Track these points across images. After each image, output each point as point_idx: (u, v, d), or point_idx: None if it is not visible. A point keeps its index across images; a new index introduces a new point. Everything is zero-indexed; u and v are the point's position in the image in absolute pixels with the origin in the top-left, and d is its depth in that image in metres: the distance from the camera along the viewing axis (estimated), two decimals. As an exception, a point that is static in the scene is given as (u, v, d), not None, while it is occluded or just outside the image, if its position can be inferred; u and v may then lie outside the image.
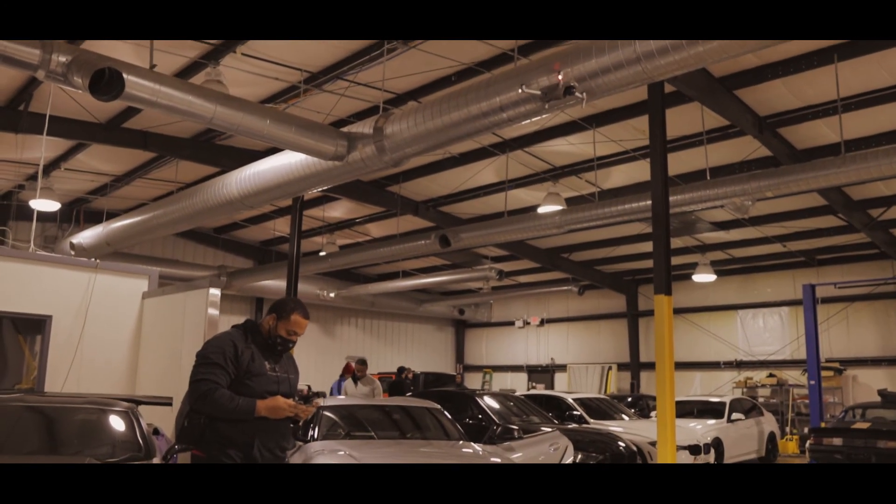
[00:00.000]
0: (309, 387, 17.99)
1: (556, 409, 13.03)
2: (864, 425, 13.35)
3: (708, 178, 11.81)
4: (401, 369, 18.01)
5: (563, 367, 25.48)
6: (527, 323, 26.32)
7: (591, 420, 12.78)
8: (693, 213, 15.82)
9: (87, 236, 15.42)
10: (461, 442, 7.46)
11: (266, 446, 3.76)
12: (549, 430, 8.35)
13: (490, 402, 11.44)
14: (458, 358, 29.11)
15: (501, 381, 26.97)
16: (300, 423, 4.01)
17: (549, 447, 7.89)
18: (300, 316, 4.02)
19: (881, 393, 14.93)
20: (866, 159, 10.11)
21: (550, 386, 25.17)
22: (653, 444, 11.56)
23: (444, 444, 7.36)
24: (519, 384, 26.01)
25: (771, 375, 20.51)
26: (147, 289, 9.84)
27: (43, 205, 14.48)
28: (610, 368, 24.42)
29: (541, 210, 14.01)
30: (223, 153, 13.65)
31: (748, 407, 16.28)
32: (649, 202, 11.33)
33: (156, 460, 5.55)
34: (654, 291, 9.37)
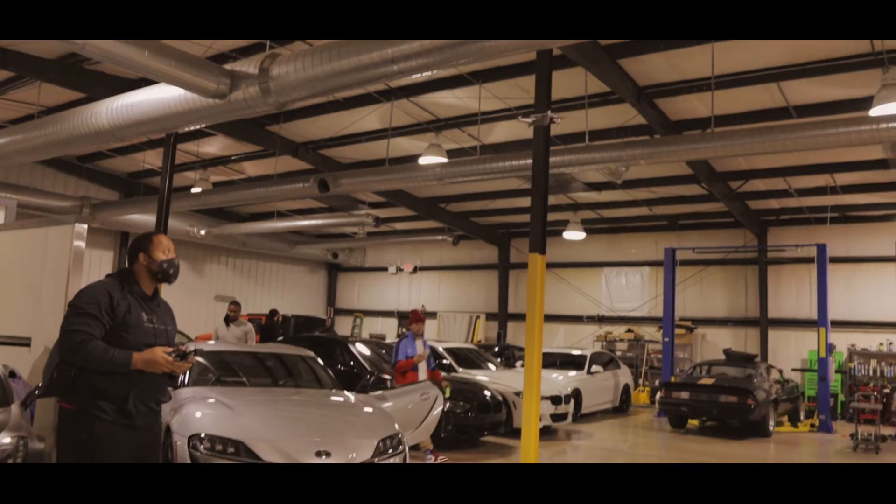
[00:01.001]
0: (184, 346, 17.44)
1: (426, 357, 13.30)
2: (709, 381, 14.40)
3: (587, 141, 12.16)
4: (272, 312, 17.80)
5: (433, 315, 25.89)
6: (400, 269, 26.55)
7: (460, 369, 13.12)
8: (568, 173, 16.29)
9: (-67, 157, 14.21)
10: (333, 390, 7.51)
11: (141, 400, 3.66)
12: (422, 381, 8.53)
13: (361, 350, 11.56)
14: (330, 301, 29.05)
15: (372, 326, 27.17)
16: (176, 378, 3.92)
17: (419, 397, 8.06)
18: (159, 235, 3.96)
19: (726, 352, 16.12)
20: (732, 136, 10.71)
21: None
22: (518, 394, 12.06)
23: (316, 393, 7.40)
24: (389, 330, 26.29)
25: (629, 331, 21.68)
26: (3, 220, 9.22)
27: None
28: (478, 318, 25.02)
29: (422, 161, 14.03)
30: (92, 78, 12.84)
31: (606, 360, 17.19)
32: (529, 160, 11.57)
33: (13, 407, 5.29)
34: (529, 249, 9.62)
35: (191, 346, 3.97)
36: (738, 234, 20.26)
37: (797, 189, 16.77)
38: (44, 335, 7.94)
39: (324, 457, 5.49)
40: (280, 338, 14.12)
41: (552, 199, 19.01)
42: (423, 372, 9.38)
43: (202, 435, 5.54)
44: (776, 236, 19.99)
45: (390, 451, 5.96)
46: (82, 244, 7.78)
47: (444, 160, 13.52)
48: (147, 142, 17.06)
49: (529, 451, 9.25)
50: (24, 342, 7.31)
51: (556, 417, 12.72)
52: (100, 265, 21.28)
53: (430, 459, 8.85)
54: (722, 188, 16.56)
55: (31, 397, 5.81)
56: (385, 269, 26.86)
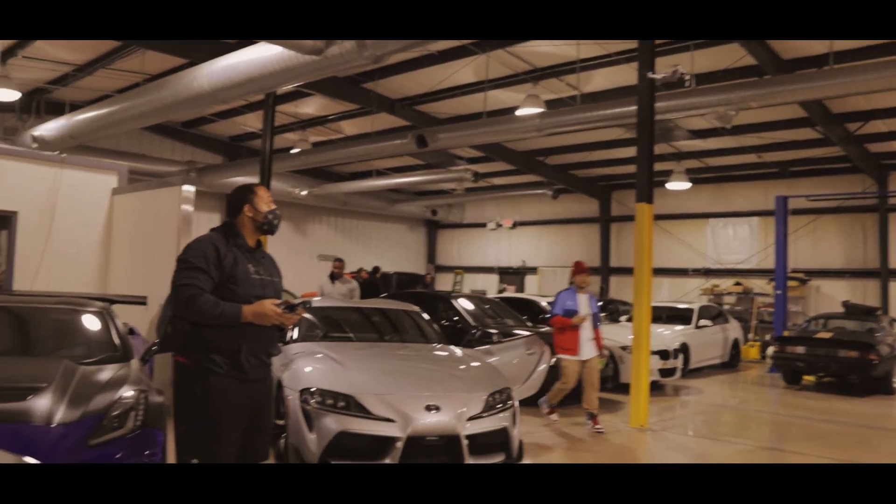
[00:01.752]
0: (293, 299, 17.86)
1: (528, 312, 13.14)
2: (827, 335, 13.67)
3: (692, 85, 11.57)
4: (375, 269, 17.95)
5: (533, 270, 25.68)
6: (499, 225, 26.30)
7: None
8: (672, 121, 15.66)
9: (50, 128, 14.90)
10: (440, 345, 7.46)
11: (253, 352, 3.65)
12: (527, 334, 8.38)
13: (465, 305, 11.49)
14: (430, 258, 29.19)
15: (472, 282, 27.16)
16: (285, 332, 3.89)
17: (525, 352, 7.92)
18: (260, 187, 3.92)
19: (845, 304, 15.26)
20: (852, 73, 9.98)
21: (521, 288, 25.40)
22: (624, 348, 11.79)
23: (423, 347, 7.36)
24: (490, 286, 26.22)
25: (737, 284, 20.87)
26: (117, 185, 9.54)
27: (1, 94, 13.89)
28: (578, 272, 24.59)
29: (519, 112, 13.75)
30: (192, 44, 13.06)
31: (715, 313, 16.60)
32: (631, 108, 11.12)
33: (133, 362, 5.44)
34: (635, 199, 9.31)
35: (297, 300, 3.90)
36: (856, 180, 19.04)
37: (924, 128, 15.60)
38: (158, 294, 8.22)
39: (433, 411, 5.43)
40: (383, 294, 14.22)
41: (655, 149, 18.35)
42: (586, 333, 8.47)
43: (312, 389, 5.57)
44: (898, 181, 18.73)
45: (499, 406, 5.85)
46: (190, 206, 7.95)
47: (543, 111, 13.16)
48: (247, 105, 17.35)
49: (639, 407, 9.02)
50: (141, 301, 7.56)
51: (664, 373, 12.37)
52: (207, 227, 21.75)
53: (546, 412, 8.84)
54: (838, 131, 15.57)
55: (149, 353, 5.98)
56: (484, 225, 26.66)
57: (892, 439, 9.51)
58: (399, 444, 5.28)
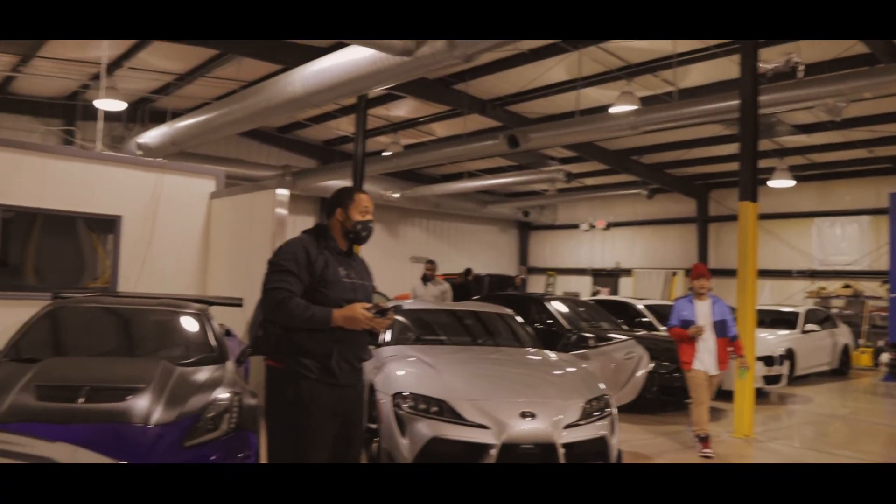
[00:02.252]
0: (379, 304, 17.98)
1: (624, 315, 12.78)
2: (949, 339, 12.77)
3: (798, 76, 11.00)
4: (467, 271, 17.86)
5: (628, 272, 25.09)
6: (592, 226, 25.85)
7: (661, 326, 12.49)
8: (774, 116, 14.98)
9: (153, 136, 15.44)
10: (534, 349, 7.27)
11: (344, 357, 3.57)
12: (624, 338, 8.10)
13: (559, 307, 11.25)
14: (522, 260, 28.94)
15: (565, 284, 26.75)
16: (377, 335, 3.80)
17: (623, 356, 7.65)
18: (361, 193, 3.80)
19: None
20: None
21: (615, 290, 24.86)
22: (726, 353, 11.32)
23: (517, 351, 7.19)
24: (583, 287, 25.77)
25: (846, 286, 19.79)
26: (214, 189, 9.75)
27: (108, 104, 14.46)
28: (675, 274, 23.93)
29: (613, 110, 13.39)
30: (285, 49, 13.25)
31: (822, 318, 15.78)
32: (732, 102, 10.68)
33: (229, 364, 5.49)
34: (738, 198, 8.85)
35: (389, 303, 3.82)
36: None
37: None
38: (254, 296, 8.33)
39: (528, 418, 5.26)
40: (475, 297, 14.12)
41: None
42: (706, 344, 7.45)
43: (405, 393, 5.49)
44: None
45: (597, 413, 5.63)
46: (284, 209, 8.03)
47: (637, 108, 12.78)
48: (340, 109, 17.57)
49: (743, 415, 8.60)
50: (237, 302, 7.67)
51: (769, 379, 11.80)
52: (301, 230, 22.32)
53: (699, 448, 7.68)
54: (959, 122, 14.56)
55: (244, 354, 6.03)
56: (577, 226, 26.26)
57: None
58: (493, 452, 5.14)
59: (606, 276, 25.93)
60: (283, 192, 8.06)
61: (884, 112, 14.73)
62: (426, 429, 5.27)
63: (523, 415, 5.30)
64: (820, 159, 19.18)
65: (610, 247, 26.02)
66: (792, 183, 18.95)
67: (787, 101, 10.77)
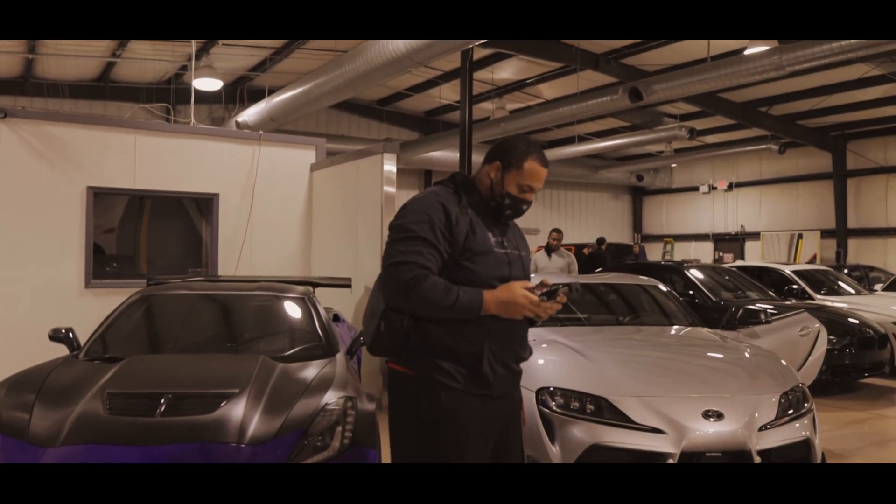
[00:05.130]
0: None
1: (769, 282, 11.31)
2: None
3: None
4: (600, 240, 16.60)
5: (755, 236, 23.21)
6: (713, 188, 24.07)
7: (817, 295, 10.99)
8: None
9: (252, 113, 14.97)
10: (697, 328, 6.07)
11: (499, 358, 2.55)
12: (799, 310, 6.79)
13: (703, 277, 9.96)
14: (636, 227, 27.38)
15: (684, 252, 25.09)
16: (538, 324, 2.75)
17: (798, 332, 6.37)
18: (537, 162, 2.66)
19: None
20: None
21: (740, 256, 23.08)
22: (896, 323, 9.81)
23: (679, 332, 5.99)
24: (704, 254, 24.10)
25: None
26: (315, 160, 8.93)
27: (204, 83, 13.97)
28: (800, 236, 21.96)
29: (749, 52, 11.86)
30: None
31: None
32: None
33: (339, 357, 4.58)
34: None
35: (552, 279, 2.72)
36: None
37: None
38: (363, 274, 7.48)
39: (713, 419, 4.13)
40: (598, 269, 12.90)
41: (907, 87, 15.67)
42: None
43: (552, 388, 4.43)
44: None
45: (794, 409, 4.44)
46: (393, 168, 7.11)
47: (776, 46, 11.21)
48: (441, 75, 16.64)
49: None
50: (346, 283, 6.82)
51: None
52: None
53: None
54: None
55: (357, 344, 5.13)
56: (695, 189, 24.50)
57: None
58: (671, 462, 4.04)
59: (730, 241, 24.12)
60: (390, 154, 7.13)
61: None
62: (583, 433, 4.21)
63: (707, 414, 4.16)
64: None
65: (732, 209, 24.18)
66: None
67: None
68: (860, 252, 20.63)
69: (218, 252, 8.43)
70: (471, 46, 10.57)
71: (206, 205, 8.60)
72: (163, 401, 3.54)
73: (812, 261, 20.53)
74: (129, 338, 4.81)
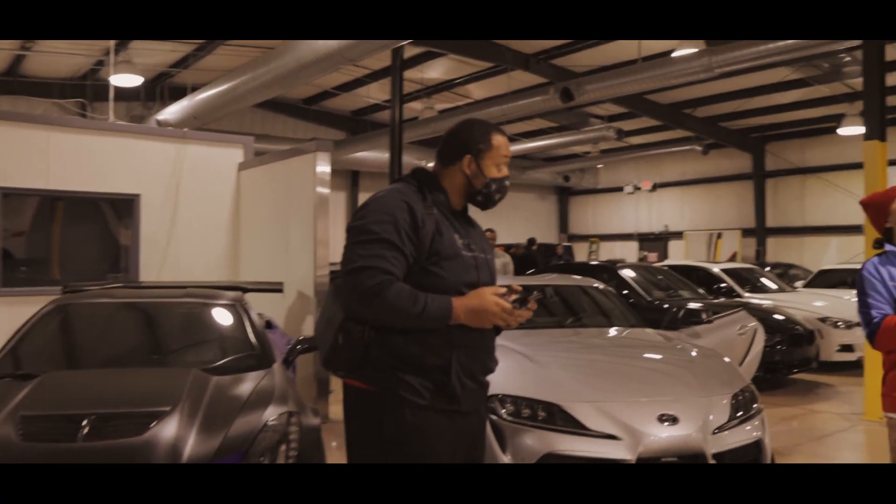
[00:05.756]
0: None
1: (697, 281, 11.44)
2: None
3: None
4: (531, 241, 16.56)
5: (678, 235, 23.68)
6: (637, 188, 24.45)
7: (745, 293, 11.18)
8: (848, 53, 13.53)
9: (173, 111, 14.36)
10: (643, 329, 5.99)
11: (467, 370, 2.35)
12: (737, 310, 6.82)
13: (636, 277, 9.99)
14: (562, 227, 27.63)
15: (609, 251, 25.45)
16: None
17: (737, 331, 6.39)
18: (500, 133, 2.52)
19: None
20: None
21: (664, 255, 23.50)
22: (823, 320, 10.04)
23: (626, 334, 5.88)
24: (629, 254, 24.44)
25: (928, 239, 18.25)
26: (243, 159, 8.57)
27: (123, 80, 13.36)
28: (720, 236, 22.53)
29: (677, 54, 12.01)
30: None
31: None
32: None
33: (276, 367, 4.31)
34: (864, 137, 7.55)
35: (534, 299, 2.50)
36: None
37: None
38: (296, 278, 7.18)
39: (668, 423, 4.03)
40: (529, 271, 12.85)
41: (824, 90, 16.16)
42: None
43: (501, 395, 4.26)
44: None
45: (741, 412, 4.38)
46: (326, 168, 6.84)
47: (711, 48, 11.36)
48: (370, 74, 16.36)
49: (877, 396, 7.27)
50: (277, 288, 6.52)
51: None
52: (334, 208, 21.28)
53: None
54: None
55: (293, 352, 4.85)
56: (620, 189, 24.86)
57: None
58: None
59: (654, 241, 24.56)
60: (323, 153, 6.85)
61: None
62: (535, 442, 4.05)
63: (662, 419, 4.06)
64: (894, 102, 17.56)
65: (657, 209, 24.65)
66: (863, 130, 17.39)
67: None
68: (778, 250, 21.28)
69: (139, 256, 7.99)
70: (403, 44, 10.33)
71: (126, 206, 8.14)
72: (85, 423, 3.20)
73: (732, 259, 21.02)
74: (43, 352, 4.41)
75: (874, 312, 3.05)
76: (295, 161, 7.37)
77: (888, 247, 3.19)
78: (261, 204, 8.15)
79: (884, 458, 6.26)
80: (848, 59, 14.24)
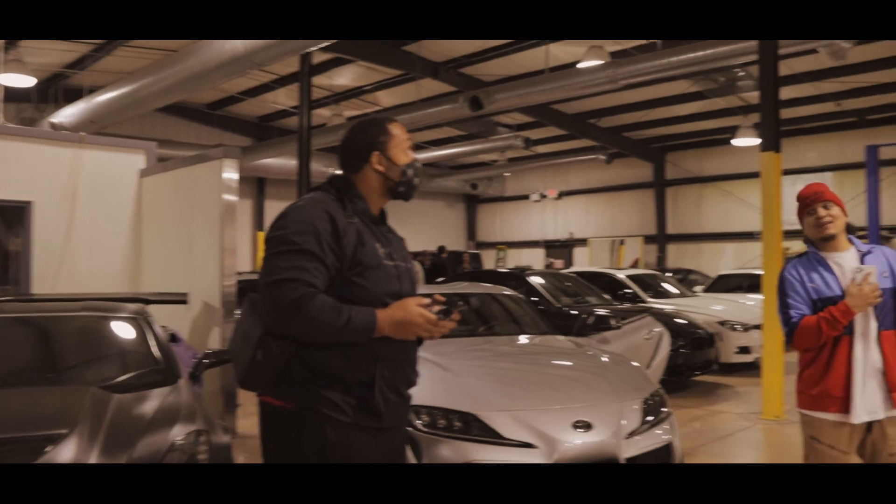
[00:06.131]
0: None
1: (602, 286, 11.71)
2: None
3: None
4: (441, 248, 16.54)
5: (583, 242, 24.23)
6: (543, 196, 24.94)
7: (649, 299, 11.49)
8: (742, 68, 14.14)
9: (69, 114, 13.74)
10: (555, 337, 6.04)
11: (391, 385, 2.28)
12: (641, 315, 6.99)
13: (544, 284, 10.13)
14: (470, 235, 27.85)
15: (516, 258, 25.85)
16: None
17: (644, 336, 6.54)
18: (394, 122, 2.52)
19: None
20: None
21: (569, 262, 24.03)
22: (722, 323, 10.41)
23: (538, 341, 5.93)
24: (535, 260, 24.88)
25: (810, 244, 19.25)
26: (145, 165, 8.24)
27: (13, 80, 12.71)
28: (622, 242, 23.21)
29: (583, 65, 12.28)
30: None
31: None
32: (725, 47, 9.72)
33: (182, 382, 4.13)
34: (760, 149, 7.84)
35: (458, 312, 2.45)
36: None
37: None
38: (201, 289, 6.94)
39: (582, 429, 4.07)
40: (439, 279, 12.86)
41: (721, 102, 16.86)
42: (871, 354, 3.11)
43: (416, 406, 4.18)
44: None
45: (652, 416, 4.47)
46: (234, 175, 6.64)
47: (617, 60, 11.67)
48: (277, 79, 16.08)
49: (773, 394, 7.61)
50: (181, 299, 6.27)
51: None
52: (240, 216, 20.78)
53: None
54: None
55: (200, 367, 4.68)
56: (527, 197, 25.28)
57: None
58: (542, 477, 3.93)
59: (560, 248, 25.06)
60: (230, 160, 6.65)
61: (857, 62, 13.92)
62: (451, 453, 4.02)
63: (576, 425, 4.10)
64: (786, 115, 18.44)
65: (563, 217, 25.16)
66: (756, 141, 18.21)
67: (791, 44, 9.71)
68: (678, 256, 22.07)
69: (31, 267, 7.55)
70: (312, 49, 10.18)
71: (16, 214, 7.69)
72: (-27, 448, 2.99)
73: (635, 265, 21.64)
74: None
75: (793, 312, 3.16)
76: (201, 168, 7.12)
77: (810, 248, 3.29)
78: (164, 212, 7.84)
79: (782, 454, 6.55)
80: (742, 73, 14.87)
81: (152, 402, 3.68)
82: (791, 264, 3.29)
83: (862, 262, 3.15)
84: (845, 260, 3.18)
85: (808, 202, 3.26)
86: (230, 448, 3.41)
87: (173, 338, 5.87)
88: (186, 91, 10.80)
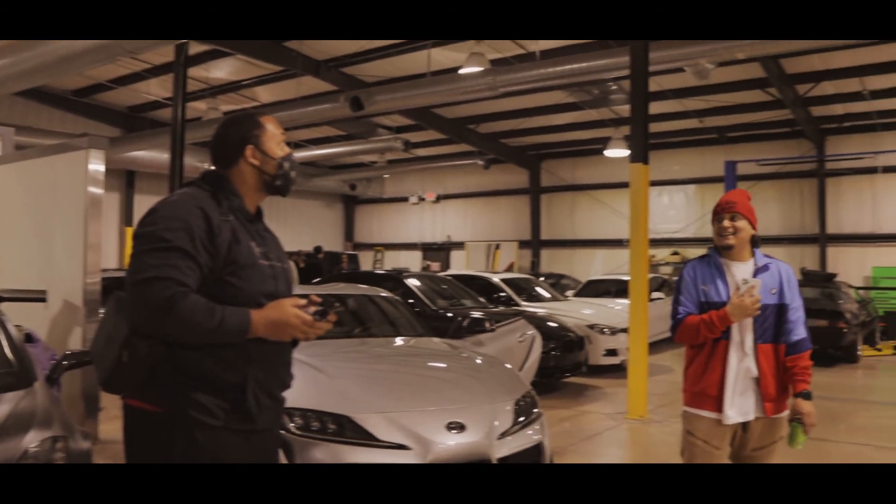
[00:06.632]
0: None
1: (478, 289, 11.90)
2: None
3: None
4: (317, 249, 16.28)
5: (460, 245, 24.54)
6: (422, 199, 25.10)
7: (523, 303, 11.77)
8: (615, 82, 14.74)
9: (-87, 94, 12.66)
10: (430, 338, 6.08)
11: (264, 387, 2.23)
12: (514, 317, 7.15)
13: (421, 286, 10.18)
14: (348, 235, 27.67)
15: (394, 260, 25.83)
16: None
17: (517, 339, 6.71)
18: (265, 117, 2.48)
19: (803, 271, 14.68)
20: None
21: (446, 265, 24.27)
22: (591, 327, 10.79)
23: (413, 343, 5.94)
24: (413, 263, 24.96)
25: (675, 253, 20.29)
26: (1, 153, 7.72)
27: None
28: (498, 247, 23.70)
29: (463, 71, 12.45)
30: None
31: (660, 284, 15.84)
32: (600, 61, 10.09)
33: (38, 385, 3.89)
34: (630, 160, 8.17)
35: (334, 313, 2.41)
36: (792, 145, 18.71)
37: (872, 91, 15.11)
38: (61, 286, 6.57)
39: (455, 431, 4.12)
40: (315, 280, 12.71)
41: (593, 114, 17.50)
42: (748, 358, 3.32)
43: (289, 408, 4.11)
44: (834, 146, 18.41)
45: (523, 417, 4.57)
46: (100, 167, 6.33)
47: (496, 68, 11.90)
48: (150, 69, 15.42)
49: (638, 395, 7.96)
50: (39, 297, 5.93)
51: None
52: (106, 211, 19.81)
53: None
54: (789, 93, 14.97)
55: (59, 369, 4.42)
56: (405, 200, 25.38)
57: (862, 411, 8.84)
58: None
59: (437, 250, 25.29)
60: (97, 151, 6.33)
61: (718, 82, 14.76)
62: (325, 455, 3.98)
63: (450, 427, 4.15)
64: (654, 129, 19.36)
65: (441, 220, 25.40)
66: (626, 153, 19.00)
67: (668, 60, 10.18)
68: (551, 261, 22.73)
69: None
70: (189, 39, 9.84)
71: None
72: None
73: (510, 269, 22.13)
74: None
75: (681, 309, 3.40)
76: (64, 158, 6.74)
77: (712, 252, 3.47)
78: (20, 203, 7.35)
79: (646, 452, 6.86)
80: (615, 87, 15.50)
81: (3, 406, 3.43)
82: (691, 264, 3.53)
83: (755, 275, 3.34)
84: (740, 270, 3.37)
85: (719, 210, 3.45)
86: (90, 454, 3.24)
87: (29, 338, 5.53)
88: (49, 76, 10.21)
